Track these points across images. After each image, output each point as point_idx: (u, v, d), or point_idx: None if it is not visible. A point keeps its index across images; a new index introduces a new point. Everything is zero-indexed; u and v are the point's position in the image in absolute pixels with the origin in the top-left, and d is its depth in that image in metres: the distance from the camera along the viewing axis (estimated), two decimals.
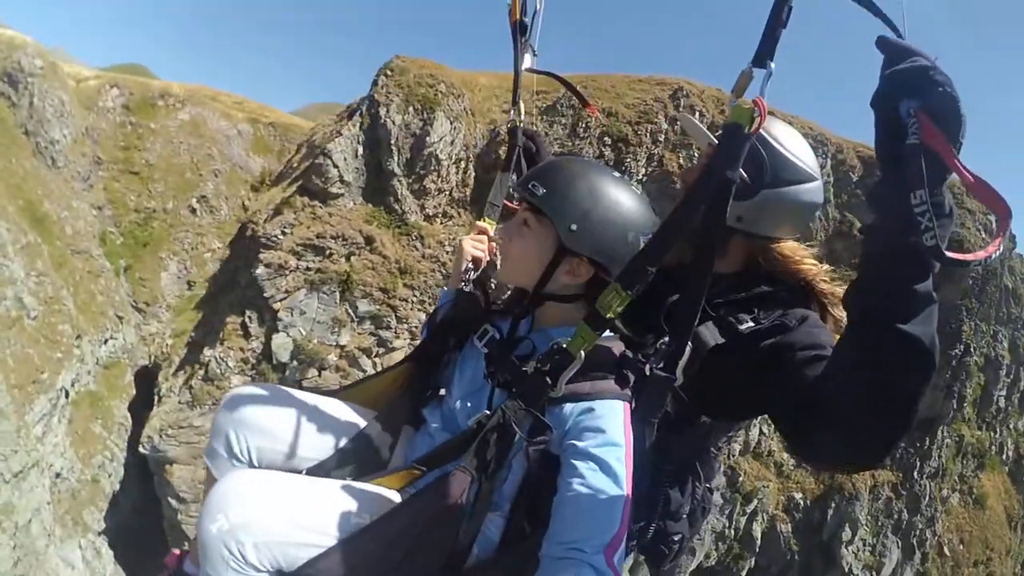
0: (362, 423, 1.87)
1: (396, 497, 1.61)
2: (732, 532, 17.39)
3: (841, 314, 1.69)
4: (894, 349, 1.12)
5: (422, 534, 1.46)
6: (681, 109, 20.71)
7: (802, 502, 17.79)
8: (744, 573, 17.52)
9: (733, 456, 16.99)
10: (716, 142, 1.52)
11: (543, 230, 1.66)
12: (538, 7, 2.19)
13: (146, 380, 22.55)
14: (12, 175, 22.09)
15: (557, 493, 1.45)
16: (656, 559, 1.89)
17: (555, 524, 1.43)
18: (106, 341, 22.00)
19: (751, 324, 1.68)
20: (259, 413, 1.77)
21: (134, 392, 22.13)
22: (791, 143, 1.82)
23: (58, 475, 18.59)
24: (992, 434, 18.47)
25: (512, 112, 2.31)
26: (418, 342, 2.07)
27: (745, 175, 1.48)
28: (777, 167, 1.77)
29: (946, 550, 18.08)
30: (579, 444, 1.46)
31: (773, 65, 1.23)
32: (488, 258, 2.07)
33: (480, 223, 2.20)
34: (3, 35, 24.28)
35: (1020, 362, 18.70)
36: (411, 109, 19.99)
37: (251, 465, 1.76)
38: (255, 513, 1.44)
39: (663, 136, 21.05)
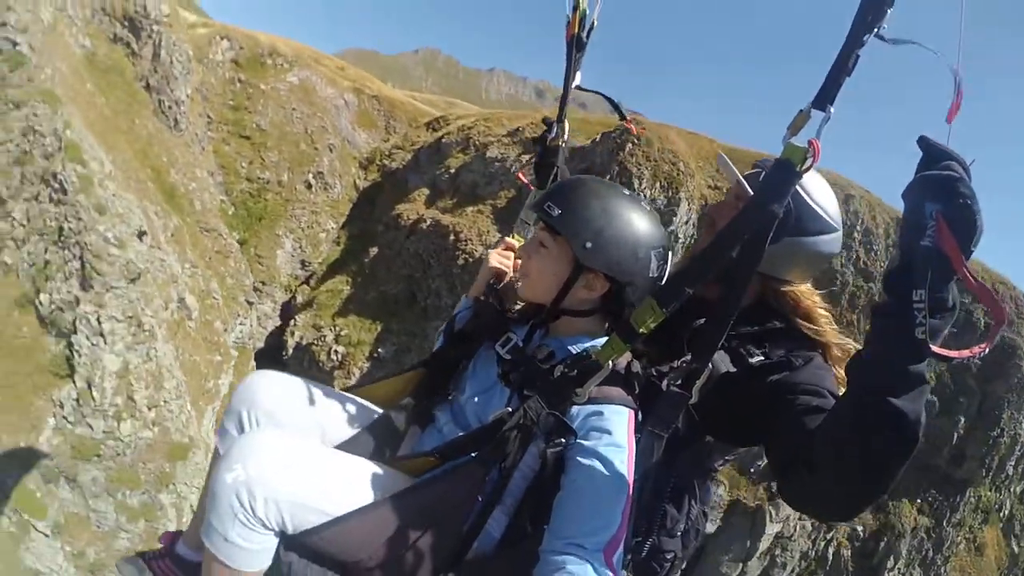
0: (372, 418, 1.90)
1: (407, 480, 1.64)
2: (813, 552, 21.95)
3: (840, 371, 1.78)
4: (883, 420, 1.21)
5: (431, 519, 1.48)
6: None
7: (862, 533, 22.42)
8: None
9: None
10: (745, 183, 1.80)
11: (559, 249, 1.72)
12: (595, 23, 2.18)
13: (267, 364, 22.40)
14: (137, 139, 20.53)
15: (560, 490, 1.49)
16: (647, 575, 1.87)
17: (556, 519, 1.46)
18: (235, 328, 21.69)
19: (761, 358, 1.75)
20: (273, 398, 1.80)
21: None
22: (819, 194, 1.86)
23: None
24: (997, 495, 23.89)
25: (555, 129, 2.29)
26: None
27: None
28: (803, 217, 1.81)
29: None
30: (585, 443, 1.50)
31: (832, 110, 1.26)
32: (511, 273, 2.15)
33: (509, 239, 2.26)
34: None
35: None
36: (658, 185, 19.89)
37: None
38: (272, 468, 1.44)
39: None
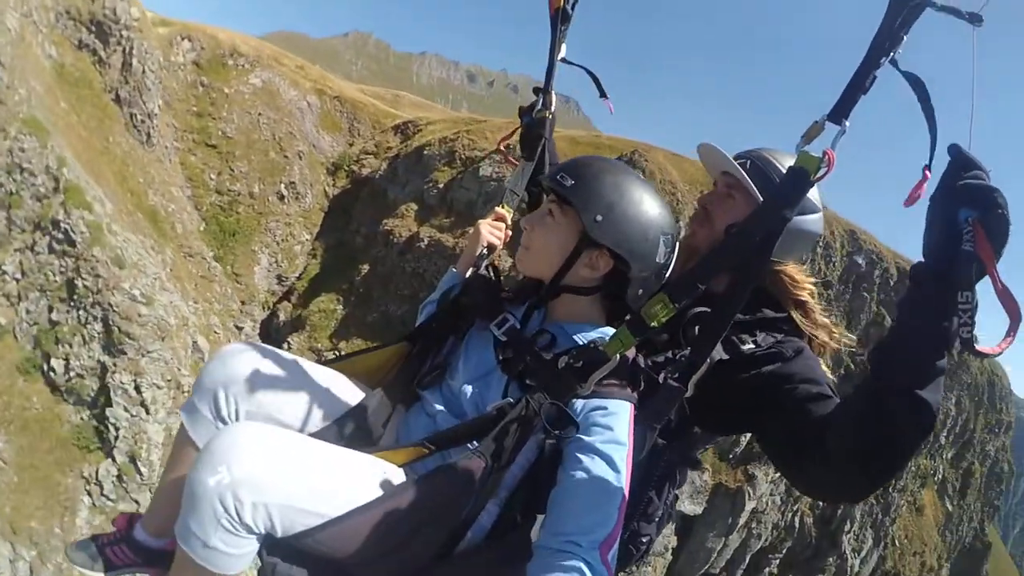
0: (357, 396, 1.79)
1: (402, 473, 1.56)
2: (783, 523, 24.33)
3: (824, 343, 1.90)
4: (907, 410, 1.28)
5: (430, 515, 1.43)
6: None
7: (821, 503, 25.15)
8: (785, 550, 24.85)
9: None
10: (744, 175, 1.89)
11: (567, 220, 1.70)
12: None
13: None
14: (113, 160, 19.09)
15: (557, 485, 1.45)
16: (624, 559, 1.84)
17: (553, 515, 1.42)
18: None
19: (752, 346, 1.77)
20: (252, 374, 1.65)
21: None
22: None
23: None
24: (932, 462, 27.25)
25: (541, 100, 2.25)
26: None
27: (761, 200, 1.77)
28: None
29: (896, 542, 27.27)
30: (586, 439, 1.46)
31: (847, 123, 1.30)
32: (502, 244, 2.13)
33: (499, 209, 2.21)
34: None
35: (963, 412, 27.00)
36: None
37: None
38: (260, 470, 1.32)
39: None
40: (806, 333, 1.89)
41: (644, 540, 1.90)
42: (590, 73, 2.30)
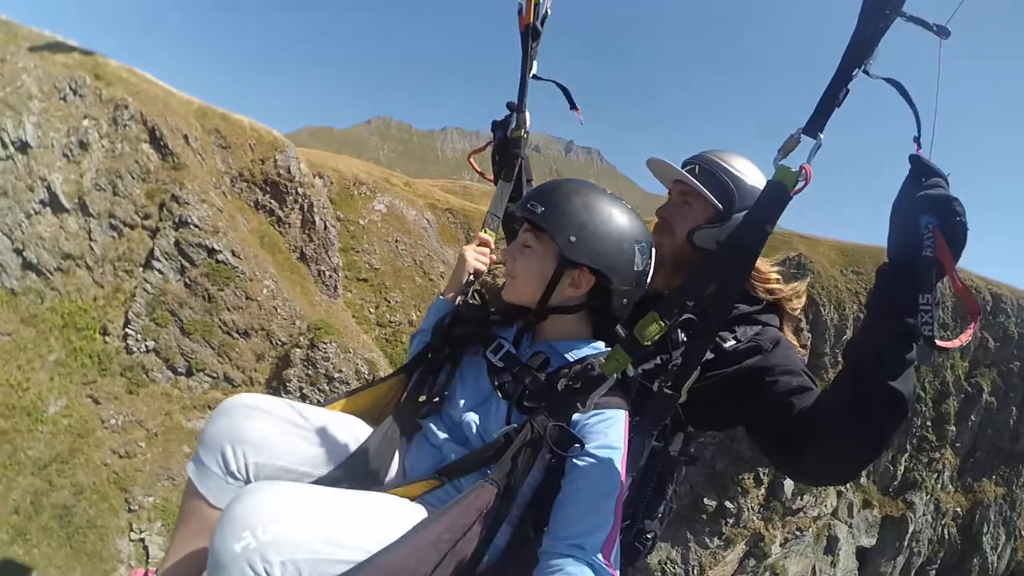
0: (360, 435, 1.81)
1: (419, 508, 1.59)
2: (935, 536, 26.45)
3: (795, 308, 2.02)
4: (883, 400, 1.37)
5: (447, 546, 1.43)
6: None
7: (961, 512, 27.42)
8: (939, 560, 27.04)
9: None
10: (689, 178, 1.98)
11: (544, 246, 1.76)
12: (548, 11, 2.19)
13: None
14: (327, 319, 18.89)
15: (560, 492, 1.51)
16: (630, 556, 1.91)
17: (557, 521, 1.47)
18: None
19: (734, 343, 1.84)
20: (256, 426, 1.67)
21: None
22: (750, 174, 2.03)
23: None
24: None
25: (514, 120, 2.29)
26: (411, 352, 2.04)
27: (719, 204, 1.91)
28: (743, 195, 1.97)
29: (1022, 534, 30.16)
30: (585, 448, 1.50)
31: (823, 137, 1.32)
32: (487, 269, 2.18)
33: (482, 234, 2.27)
34: (263, 133, 19.53)
35: None
36: (833, 309, 22.49)
37: (248, 482, 1.64)
38: (285, 529, 1.33)
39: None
40: (781, 316, 2.02)
41: (649, 537, 1.97)
42: (561, 87, 2.39)
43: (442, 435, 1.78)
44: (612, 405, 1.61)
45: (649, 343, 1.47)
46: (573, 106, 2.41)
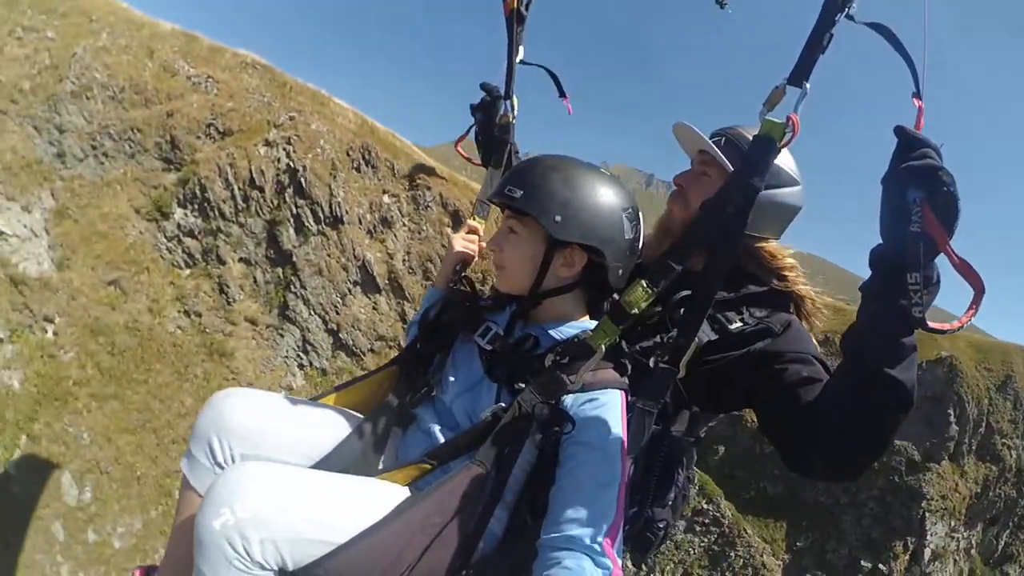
0: (350, 427, 1.76)
1: (406, 492, 1.53)
2: None
3: (816, 318, 1.87)
4: (882, 389, 1.28)
5: (436, 530, 1.38)
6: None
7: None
8: None
9: None
10: (719, 152, 1.84)
11: (529, 231, 1.66)
12: None
13: None
14: None
15: (557, 481, 1.43)
16: (642, 547, 1.87)
17: (555, 511, 1.39)
18: None
19: (740, 324, 1.73)
20: (243, 418, 1.66)
21: None
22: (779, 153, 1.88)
23: None
24: None
25: (504, 106, 2.23)
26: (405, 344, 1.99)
27: None
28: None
29: None
30: (581, 432, 1.44)
31: (808, 86, 1.27)
32: (477, 256, 2.11)
33: (471, 222, 2.21)
34: None
35: None
36: (975, 406, 21.66)
37: None
38: (263, 507, 1.30)
39: None
40: (793, 301, 1.88)
41: (661, 525, 1.88)
42: (550, 72, 2.36)
43: (433, 421, 1.73)
44: (606, 384, 1.52)
45: (637, 311, 1.44)
46: (562, 94, 2.39)
